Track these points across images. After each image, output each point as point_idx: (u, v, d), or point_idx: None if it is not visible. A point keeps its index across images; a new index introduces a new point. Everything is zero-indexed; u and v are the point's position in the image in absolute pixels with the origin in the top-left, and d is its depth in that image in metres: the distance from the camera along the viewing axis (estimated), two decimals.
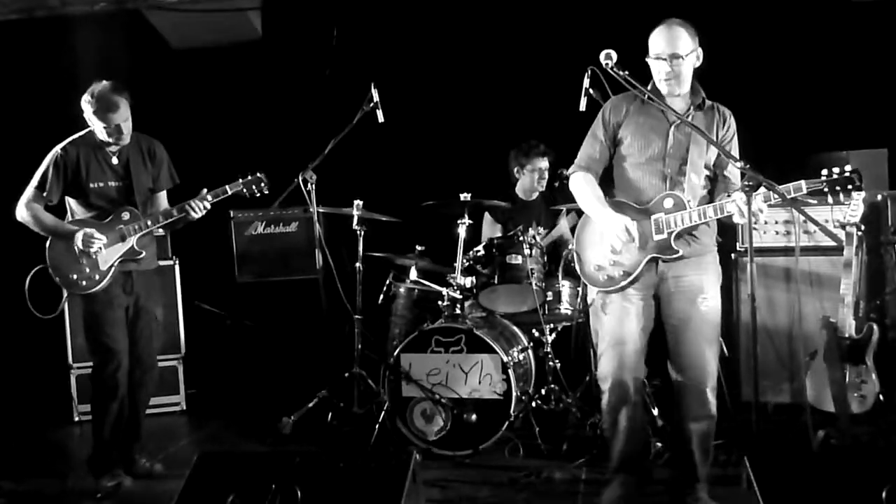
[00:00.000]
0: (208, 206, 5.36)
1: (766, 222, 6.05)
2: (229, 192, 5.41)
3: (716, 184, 4.55)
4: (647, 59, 4.44)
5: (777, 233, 6.16)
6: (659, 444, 5.36)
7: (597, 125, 4.63)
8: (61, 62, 7.71)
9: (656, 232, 4.39)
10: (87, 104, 5.22)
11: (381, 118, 5.93)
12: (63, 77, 7.43)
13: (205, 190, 5.35)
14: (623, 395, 4.48)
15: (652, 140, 4.47)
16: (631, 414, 4.51)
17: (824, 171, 4.08)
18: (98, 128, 5.25)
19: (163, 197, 5.61)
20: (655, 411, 5.68)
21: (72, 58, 7.67)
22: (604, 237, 4.50)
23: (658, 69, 4.38)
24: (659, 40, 4.37)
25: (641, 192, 4.49)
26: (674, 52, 4.32)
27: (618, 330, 4.49)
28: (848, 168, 4.06)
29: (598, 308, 4.59)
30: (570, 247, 4.68)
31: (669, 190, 4.42)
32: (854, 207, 5.22)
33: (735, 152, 4.53)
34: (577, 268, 4.64)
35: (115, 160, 5.36)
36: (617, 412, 4.52)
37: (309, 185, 6.01)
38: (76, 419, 6.88)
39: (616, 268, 4.46)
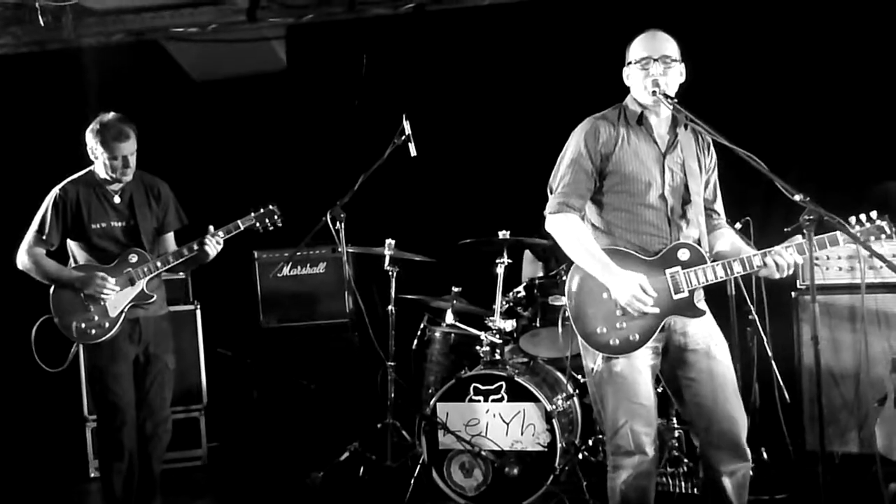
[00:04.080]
0: (221, 244, 5.39)
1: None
2: (241, 228, 5.47)
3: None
4: (625, 70, 4.28)
5: (840, 269, 6.05)
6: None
7: (578, 154, 4.23)
8: (76, 98, 7.80)
9: (675, 290, 4.13)
10: (93, 134, 5.25)
11: (413, 152, 5.87)
12: (77, 114, 7.53)
13: (211, 227, 5.39)
14: (650, 472, 4.23)
15: (648, 174, 4.21)
16: (652, 490, 4.30)
17: (853, 219, 4.04)
18: (101, 162, 5.28)
19: (170, 238, 5.64)
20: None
21: (87, 93, 7.77)
22: (608, 295, 4.15)
23: (646, 74, 4.15)
24: (645, 44, 4.20)
25: (642, 238, 4.22)
26: (664, 53, 4.16)
27: (636, 397, 4.17)
28: (874, 215, 4.05)
29: (604, 375, 4.20)
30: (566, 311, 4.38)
31: (675, 235, 4.22)
32: None
33: (718, 185, 4.44)
34: (575, 330, 4.25)
35: (117, 199, 5.39)
36: (645, 491, 4.23)
37: (338, 223, 5.92)
38: (92, 475, 6.88)
39: (625, 331, 4.13)
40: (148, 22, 7.28)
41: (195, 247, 5.35)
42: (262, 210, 5.53)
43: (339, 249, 6.16)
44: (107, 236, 5.37)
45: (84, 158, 5.39)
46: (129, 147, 5.27)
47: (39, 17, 6.95)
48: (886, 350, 5.86)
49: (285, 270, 7.39)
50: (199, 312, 7.18)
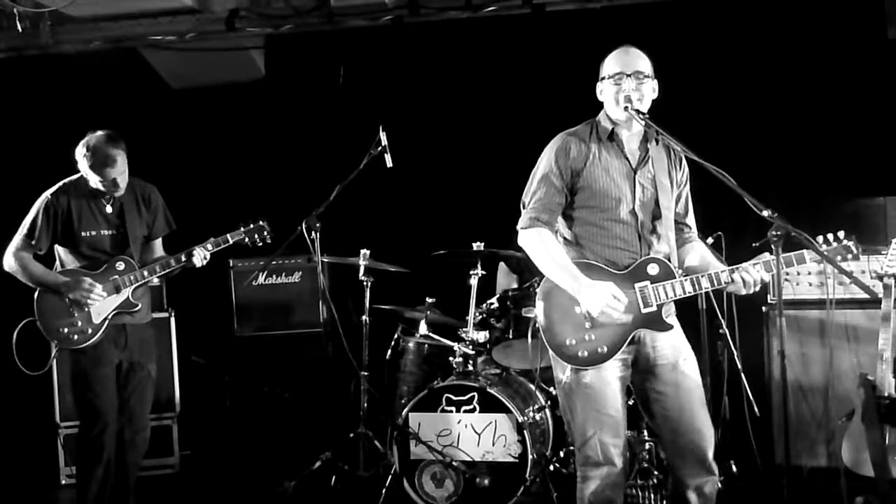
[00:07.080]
0: (208, 256, 5.43)
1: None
2: (230, 241, 5.50)
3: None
4: (598, 86, 4.31)
5: (810, 284, 6.10)
6: None
7: (549, 170, 4.26)
8: (53, 104, 7.79)
9: (643, 304, 4.15)
10: (82, 157, 5.27)
11: (389, 163, 5.87)
12: (55, 120, 7.53)
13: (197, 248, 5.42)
14: (618, 483, 4.22)
15: (619, 190, 4.23)
16: (620, 501, 4.29)
17: (820, 239, 4.09)
18: (93, 179, 5.29)
19: (158, 245, 5.66)
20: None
21: (65, 100, 7.76)
22: (577, 308, 4.16)
23: (618, 89, 4.18)
24: (618, 60, 4.24)
25: (611, 252, 4.24)
26: (637, 69, 4.19)
27: (605, 408, 4.17)
28: (841, 234, 4.10)
29: (573, 387, 4.22)
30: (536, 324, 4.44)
31: (644, 250, 4.23)
32: (892, 257, 5.16)
33: (690, 199, 4.45)
34: (545, 341, 4.26)
35: (108, 208, 5.40)
36: (613, 503, 4.21)
37: (313, 232, 5.89)
38: (63, 482, 6.86)
39: (594, 343, 4.15)
40: (126, 29, 7.24)
41: (182, 258, 5.38)
42: (252, 225, 5.57)
43: (314, 259, 6.14)
44: (95, 244, 5.39)
45: (64, 162, 5.39)
46: (118, 170, 5.28)
47: (17, 23, 6.93)
48: (854, 365, 5.90)
49: (260, 279, 7.40)
50: (173, 320, 7.16)
